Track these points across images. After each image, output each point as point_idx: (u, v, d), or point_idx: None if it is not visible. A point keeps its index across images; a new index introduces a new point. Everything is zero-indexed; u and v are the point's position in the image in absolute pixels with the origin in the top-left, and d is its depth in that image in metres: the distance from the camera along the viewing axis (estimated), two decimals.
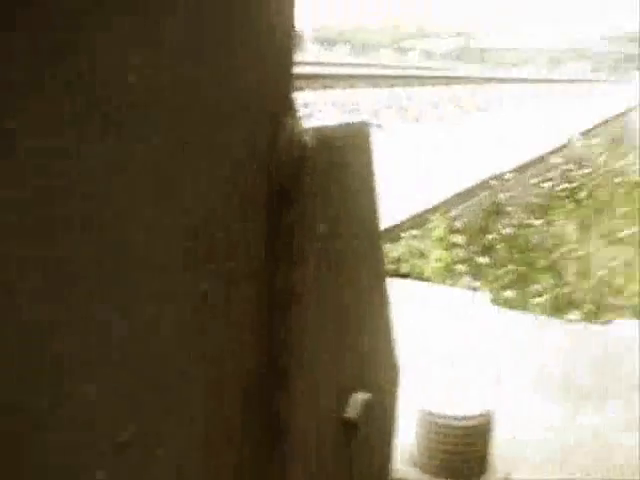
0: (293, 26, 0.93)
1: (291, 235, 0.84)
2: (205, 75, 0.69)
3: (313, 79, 15.45)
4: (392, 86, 18.35)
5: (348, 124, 1.03)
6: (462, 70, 50.26)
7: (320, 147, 0.93)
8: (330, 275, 0.96)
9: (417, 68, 43.72)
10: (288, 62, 0.92)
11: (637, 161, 8.29)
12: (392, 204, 4.27)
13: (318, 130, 0.93)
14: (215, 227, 0.70)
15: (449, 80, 25.76)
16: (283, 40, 0.91)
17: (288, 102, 0.91)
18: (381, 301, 1.18)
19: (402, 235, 3.79)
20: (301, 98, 11.40)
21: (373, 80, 19.39)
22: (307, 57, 49.13)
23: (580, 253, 4.46)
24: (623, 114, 16.21)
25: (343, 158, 0.98)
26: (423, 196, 4.56)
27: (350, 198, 1.04)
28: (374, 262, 1.16)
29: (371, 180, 1.06)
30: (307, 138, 0.92)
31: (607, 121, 13.14)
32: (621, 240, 4.90)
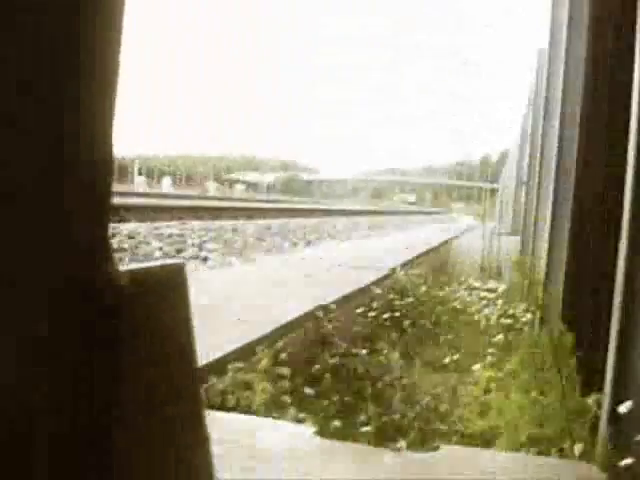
0: (111, 160, 0.91)
1: (107, 376, 0.80)
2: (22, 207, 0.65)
3: (138, 211, 15.38)
4: (217, 218, 18.51)
5: (164, 265, 1.02)
6: (288, 202, 51.45)
7: (136, 291, 0.90)
8: (146, 409, 0.91)
9: (242, 200, 44.43)
10: (105, 200, 0.89)
11: (460, 289, 8.61)
12: (218, 337, 4.22)
13: (134, 273, 0.91)
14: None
15: (276, 212, 26.26)
16: (100, 172, 0.88)
17: (103, 241, 0.87)
18: (198, 436, 1.14)
19: (228, 367, 3.73)
20: (126, 229, 11.29)
21: (199, 212, 19.50)
22: (132, 188, 49.20)
23: (405, 381, 4.52)
24: (443, 244, 16.95)
25: (159, 299, 0.96)
26: (248, 327, 4.54)
27: (166, 335, 1.01)
28: (191, 396, 1.13)
29: (187, 316, 1.04)
30: (123, 282, 0.89)
31: (428, 251, 13.65)
32: (445, 367, 5.02)
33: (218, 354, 3.85)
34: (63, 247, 0.76)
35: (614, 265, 2.93)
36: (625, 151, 3.00)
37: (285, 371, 3.89)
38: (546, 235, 6.22)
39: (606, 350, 2.95)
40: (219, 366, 3.73)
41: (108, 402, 0.80)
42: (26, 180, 0.69)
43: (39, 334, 0.71)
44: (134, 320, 0.84)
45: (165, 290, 0.97)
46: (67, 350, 0.76)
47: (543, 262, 6.19)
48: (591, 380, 3.27)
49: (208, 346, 3.94)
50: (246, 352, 4.04)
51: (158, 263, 0.99)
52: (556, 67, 7.33)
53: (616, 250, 2.93)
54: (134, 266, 0.91)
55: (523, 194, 13.42)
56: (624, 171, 2.94)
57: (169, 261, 0.95)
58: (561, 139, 5.98)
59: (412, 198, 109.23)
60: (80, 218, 0.79)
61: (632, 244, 2.75)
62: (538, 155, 9.24)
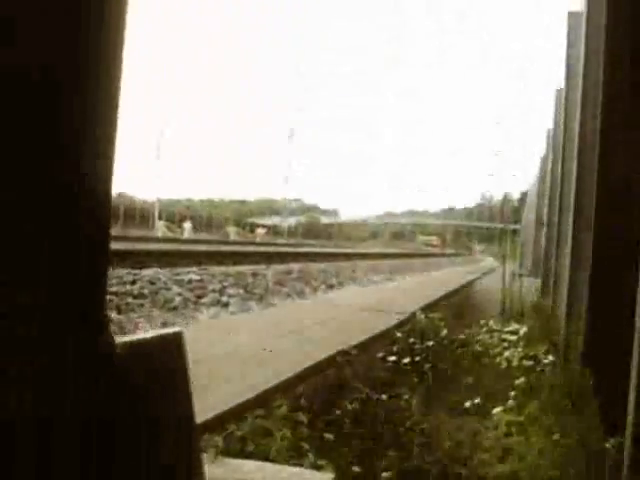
0: (108, 241, 0.92)
1: (104, 436, 0.82)
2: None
3: (159, 256, 15.47)
4: (238, 263, 18.56)
5: (163, 334, 1.04)
6: (309, 246, 51.50)
7: (133, 360, 0.92)
8: (144, 465, 0.92)
9: (262, 244, 44.53)
10: (101, 277, 0.90)
11: (480, 331, 8.56)
12: (236, 383, 4.22)
13: (132, 343, 0.92)
14: None
15: (296, 256, 26.25)
16: (96, 249, 0.89)
17: (100, 312, 0.88)
18: None
19: (247, 414, 3.73)
20: (147, 275, 11.34)
21: (219, 257, 19.55)
22: (154, 233, 49.49)
23: (426, 425, 4.49)
24: (464, 286, 16.90)
25: (157, 368, 0.98)
26: (268, 373, 4.53)
27: (164, 398, 1.02)
28: (189, 455, 1.13)
29: (185, 380, 1.06)
30: (121, 351, 0.90)
31: (449, 294, 13.61)
32: (466, 411, 4.98)
33: (237, 401, 3.85)
34: (65, 317, 0.77)
35: (635, 307, 2.92)
36: None
37: (304, 417, 3.88)
38: (566, 276, 6.20)
39: (627, 392, 2.93)
40: (237, 413, 3.73)
41: (107, 459, 0.81)
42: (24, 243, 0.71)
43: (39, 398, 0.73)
44: (130, 386, 0.85)
45: (162, 357, 0.99)
46: (66, 412, 0.78)
47: (564, 304, 6.16)
48: (612, 423, 3.24)
49: (225, 394, 3.94)
50: (265, 398, 4.04)
51: (158, 332, 1.02)
52: (573, 108, 7.35)
53: (636, 292, 2.92)
54: (135, 336, 0.93)
55: (543, 235, 13.39)
56: None
57: (168, 330, 0.97)
58: (579, 180, 5.99)
59: (433, 240, 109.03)
60: (77, 290, 0.80)
61: None
62: (557, 196, 9.24)
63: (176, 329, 1.05)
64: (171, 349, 1.01)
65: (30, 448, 0.72)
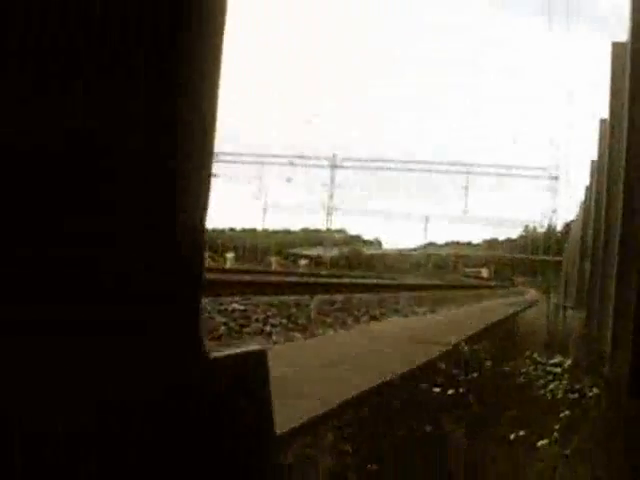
0: (203, 241, 0.97)
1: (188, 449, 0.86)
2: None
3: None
4: (281, 293, 18.60)
5: (247, 351, 1.08)
6: (351, 277, 51.42)
7: (220, 375, 0.96)
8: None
9: (306, 275, 44.57)
10: (197, 289, 0.95)
11: (524, 363, 8.50)
12: (282, 413, 4.24)
13: (220, 359, 0.97)
14: None
15: (339, 287, 26.24)
16: (194, 255, 0.94)
17: (197, 326, 0.93)
18: None
19: (293, 443, 3.75)
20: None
21: (262, 287, 19.59)
22: None
23: (470, 458, 4.47)
24: (508, 317, 16.79)
25: (239, 383, 1.02)
26: (313, 403, 4.55)
27: (244, 415, 1.06)
28: (267, 471, 1.17)
29: (266, 398, 1.10)
30: (210, 366, 0.95)
31: (493, 325, 13.53)
32: (511, 443, 4.95)
33: (282, 430, 3.87)
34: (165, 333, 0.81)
35: None
36: None
37: (348, 447, 3.89)
38: (611, 308, 6.16)
39: None
40: (283, 441, 3.75)
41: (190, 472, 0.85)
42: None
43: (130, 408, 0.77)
44: (216, 400, 0.90)
45: (245, 374, 1.03)
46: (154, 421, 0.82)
47: (609, 336, 6.11)
48: None
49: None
50: (310, 427, 4.06)
51: (243, 349, 1.07)
52: (619, 137, 7.32)
53: None
54: (221, 351, 0.98)
55: (587, 267, 13.27)
56: None
57: (252, 347, 1.01)
58: (624, 210, 5.96)
59: (477, 271, 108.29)
60: (175, 302, 0.85)
61: None
62: (602, 227, 9.19)
63: (260, 347, 1.10)
64: (254, 365, 1.05)
65: (115, 459, 0.76)
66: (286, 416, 4.15)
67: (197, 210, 0.88)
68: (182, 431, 0.87)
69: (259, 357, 1.10)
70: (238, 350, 1.05)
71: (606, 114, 9.49)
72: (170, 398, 0.83)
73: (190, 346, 0.88)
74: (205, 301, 12.66)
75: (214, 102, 0.97)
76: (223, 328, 9.90)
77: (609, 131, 8.98)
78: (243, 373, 1.02)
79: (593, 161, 13.84)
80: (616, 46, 8.57)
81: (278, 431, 3.85)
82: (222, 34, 1.00)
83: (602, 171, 10.60)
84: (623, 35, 7.31)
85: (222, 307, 12.14)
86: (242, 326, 10.53)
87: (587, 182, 16.50)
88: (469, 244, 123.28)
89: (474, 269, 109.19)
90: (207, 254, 60.82)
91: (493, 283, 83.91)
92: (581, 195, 19.33)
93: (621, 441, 3.92)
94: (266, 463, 1.09)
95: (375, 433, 4.57)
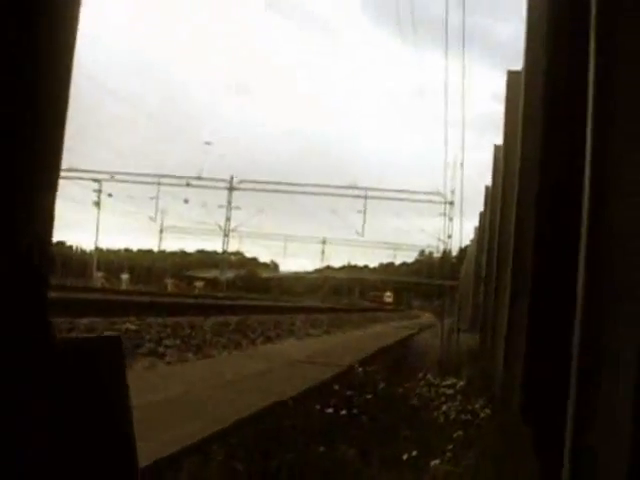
0: (51, 225, 0.91)
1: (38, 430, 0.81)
2: None
3: (96, 306, 15.24)
4: (175, 314, 18.38)
5: (100, 336, 1.04)
6: (247, 299, 51.27)
7: (71, 356, 0.90)
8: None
9: (200, 297, 44.21)
10: (44, 274, 0.89)
11: (418, 385, 8.57)
12: (174, 431, 4.14)
13: (71, 341, 0.91)
14: None
15: (234, 309, 26.09)
16: (38, 238, 0.88)
17: (41, 309, 0.87)
18: None
19: (183, 464, 3.66)
20: (83, 324, 11.17)
21: (156, 308, 19.33)
22: (91, 283, 48.97)
23: (362, 477, 4.45)
24: (403, 340, 16.96)
25: (93, 365, 0.96)
26: (205, 422, 4.47)
27: (99, 398, 1.00)
28: (124, 456, 1.12)
29: (122, 383, 1.04)
30: (59, 348, 0.88)
31: (388, 348, 13.64)
32: (403, 462, 4.95)
33: (174, 449, 3.78)
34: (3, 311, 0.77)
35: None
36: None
37: (240, 467, 3.82)
38: (504, 331, 6.24)
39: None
40: (175, 461, 3.66)
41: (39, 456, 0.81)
42: None
43: None
44: (67, 382, 0.85)
45: (99, 357, 0.97)
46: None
47: (501, 357, 6.19)
48: (552, 477, 3.24)
49: (162, 442, 3.86)
50: (202, 447, 3.97)
51: (95, 335, 1.02)
52: (512, 163, 7.46)
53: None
54: (73, 336, 0.91)
55: (481, 290, 13.52)
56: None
57: (108, 334, 0.97)
58: (517, 235, 6.06)
59: (384, 296, 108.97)
60: (18, 285, 0.79)
61: (583, 341, 2.76)
62: (495, 252, 9.35)
63: (114, 334, 1.04)
64: (109, 350, 0.99)
65: None
66: (177, 436, 4.05)
67: (41, 219, 0.83)
68: (23, 407, 0.81)
69: (114, 342, 1.04)
70: (90, 336, 1.00)
71: (500, 141, 9.69)
72: (12, 378, 0.78)
73: (36, 330, 0.82)
74: (97, 320, 12.40)
75: (62, 108, 0.91)
76: None
77: (502, 157, 9.16)
78: (95, 355, 0.96)
79: (487, 187, 14.13)
80: (511, 75, 8.76)
81: (170, 451, 3.76)
82: (75, 32, 0.93)
83: (496, 196, 10.82)
84: (518, 64, 7.47)
85: (115, 327, 11.90)
86: (136, 346, 10.32)
87: (482, 208, 16.83)
88: (366, 267, 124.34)
89: (377, 292, 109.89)
90: (100, 274, 59.90)
91: (389, 307, 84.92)
92: (476, 221, 19.71)
93: (512, 462, 3.94)
94: (122, 444, 1.03)
95: (267, 452, 4.50)
